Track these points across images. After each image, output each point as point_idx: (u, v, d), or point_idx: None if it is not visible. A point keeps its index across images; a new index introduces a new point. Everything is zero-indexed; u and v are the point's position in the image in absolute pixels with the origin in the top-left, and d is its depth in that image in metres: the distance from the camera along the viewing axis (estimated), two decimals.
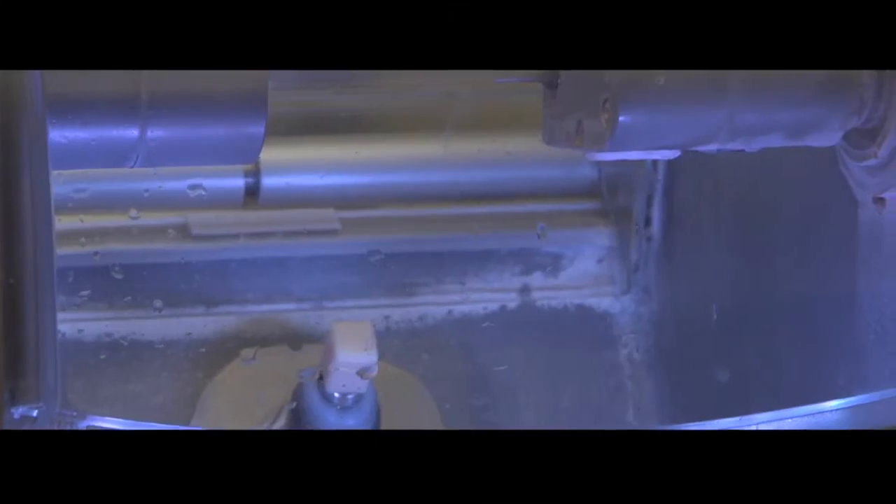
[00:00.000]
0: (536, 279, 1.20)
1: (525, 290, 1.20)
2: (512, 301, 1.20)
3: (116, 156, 0.82)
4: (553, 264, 1.21)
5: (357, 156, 1.17)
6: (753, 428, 0.86)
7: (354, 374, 0.98)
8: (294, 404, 1.01)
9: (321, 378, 1.00)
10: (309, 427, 1.01)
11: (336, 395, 1.00)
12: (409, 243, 1.18)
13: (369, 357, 0.97)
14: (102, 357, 1.09)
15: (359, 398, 1.00)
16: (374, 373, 0.97)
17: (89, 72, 0.78)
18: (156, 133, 0.82)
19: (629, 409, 1.20)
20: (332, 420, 1.00)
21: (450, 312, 1.18)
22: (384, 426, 1.03)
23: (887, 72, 0.88)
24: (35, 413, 0.72)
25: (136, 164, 0.84)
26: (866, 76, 0.89)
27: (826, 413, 0.89)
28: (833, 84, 0.88)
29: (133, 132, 0.81)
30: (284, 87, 1.13)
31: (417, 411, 1.10)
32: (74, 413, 0.73)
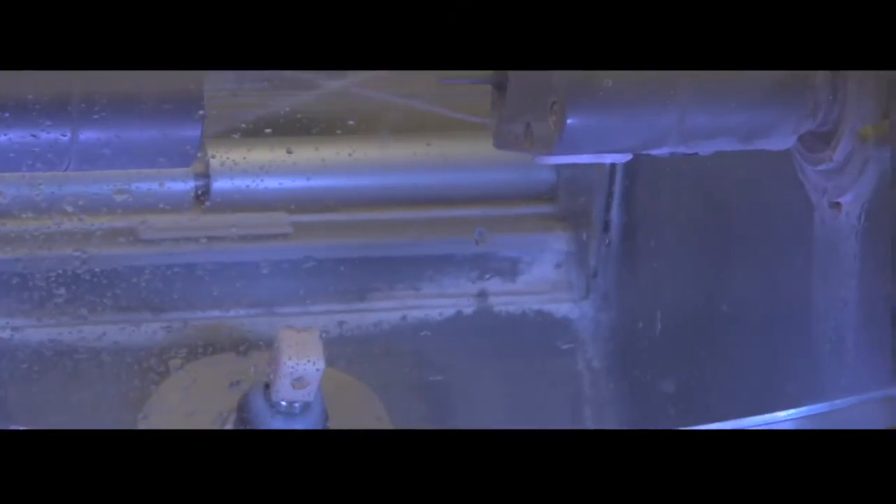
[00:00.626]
0: (494, 284, 1.18)
1: (482, 295, 1.18)
2: (468, 307, 1.18)
3: (47, 159, 0.80)
4: (510, 269, 1.19)
5: (311, 158, 1.15)
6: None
7: (300, 382, 0.96)
8: (237, 413, 0.99)
9: (267, 386, 0.97)
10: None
11: (283, 403, 0.97)
12: (363, 248, 1.16)
13: (315, 365, 0.95)
14: (40, 366, 1.07)
15: (306, 406, 0.98)
16: (311, 383, 0.95)
17: (13, 72, 0.75)
18: (88, 136, 0.80)
19: (587, 416, 1.18)
20: (278, 428, 0.97)
21: (404, 318, 1.16)
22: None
23: (841, 74, 0.87)
24: None
25: (69, 168, 0.82)
26: (820, 78, 0.87)
27: (781, 422, 0.87)
28: (786, 86, 0.87)
29: (63, 135, 0.79)
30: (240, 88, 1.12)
31: (366, 419, 1.08)
32: None
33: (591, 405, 1.18)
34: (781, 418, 0.88)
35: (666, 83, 0.84)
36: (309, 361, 0.95)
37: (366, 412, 1.09)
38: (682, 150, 0.87)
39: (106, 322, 1.10)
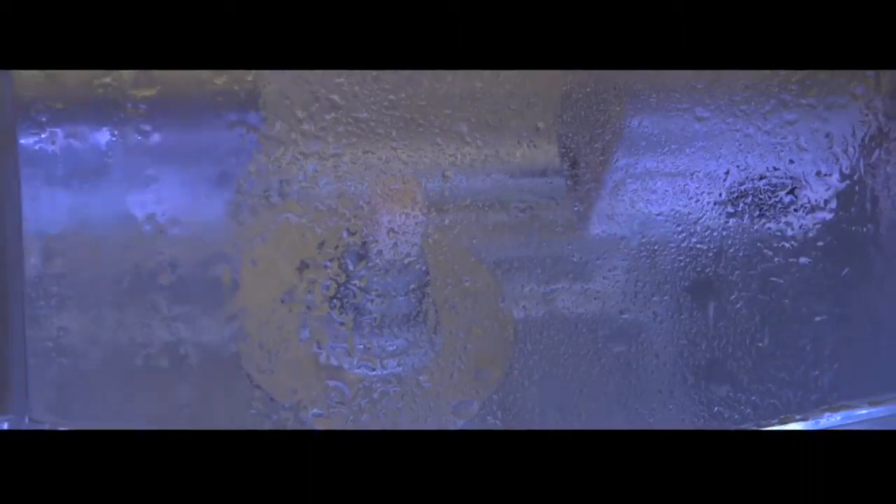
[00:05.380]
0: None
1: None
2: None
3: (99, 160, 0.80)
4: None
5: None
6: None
7: (402, 233, 0.89)
8: (339, 269, 0.91)
9: (365, 244, 0.90)
10: (358, 290, 0.91)
11: (383, 257, 0.90)
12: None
13: (417, 214, 0.88)
14: None
15: (408, 263, 0.90)
16: (410, 235, 0.89)
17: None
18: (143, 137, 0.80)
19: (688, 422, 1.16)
20: (380, 283, 0.91)
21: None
22: (435, 292, 0.95)
23: None
24: (5, 425, 0.71)
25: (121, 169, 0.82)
26: None
27: None
28: None
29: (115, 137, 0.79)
30: None
31: (473, 279, 0.98)
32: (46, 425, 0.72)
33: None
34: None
35: None
36: (410, 211, 0.89)
37: (472, 273, 1.02)
38: None
39: None
